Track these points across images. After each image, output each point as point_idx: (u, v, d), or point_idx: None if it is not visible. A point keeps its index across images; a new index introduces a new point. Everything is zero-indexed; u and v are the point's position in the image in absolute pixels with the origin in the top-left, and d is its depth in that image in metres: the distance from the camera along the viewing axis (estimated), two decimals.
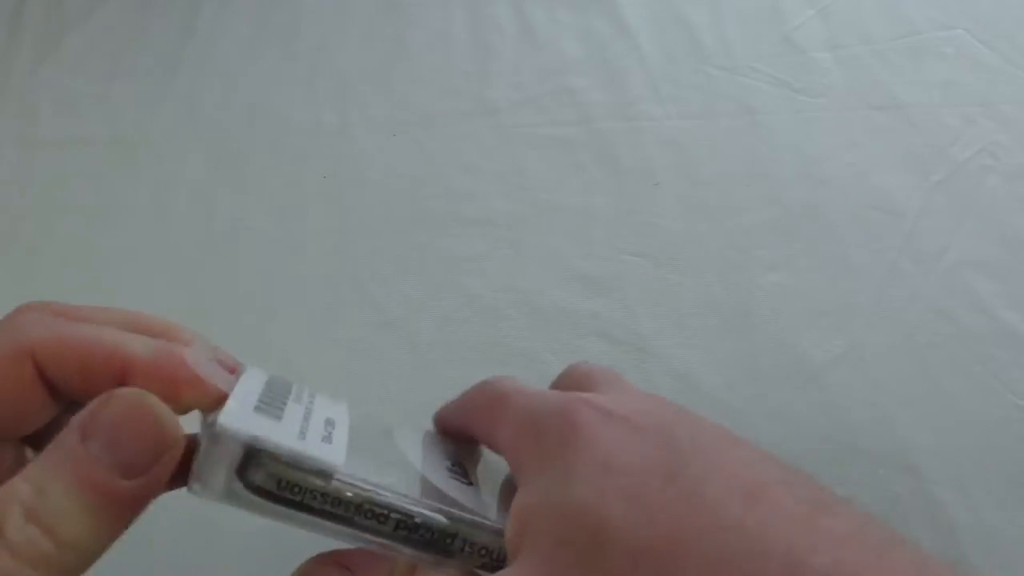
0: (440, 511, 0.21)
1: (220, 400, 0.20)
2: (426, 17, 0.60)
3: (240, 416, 0.19)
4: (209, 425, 0.19)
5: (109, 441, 0.17)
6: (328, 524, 0.20)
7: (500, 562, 0.22)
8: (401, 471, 0.23)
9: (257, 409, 0.20)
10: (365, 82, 0.56)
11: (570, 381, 0.25)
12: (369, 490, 0.20)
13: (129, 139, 0.53)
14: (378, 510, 0.21)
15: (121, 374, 0.19)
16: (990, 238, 0.48)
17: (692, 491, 0.18)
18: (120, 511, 0.17)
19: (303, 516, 0.20)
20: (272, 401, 0.21)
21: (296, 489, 0.20)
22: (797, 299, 0.45)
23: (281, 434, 0.20)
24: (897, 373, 0.43)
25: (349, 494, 0.20)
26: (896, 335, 0.44)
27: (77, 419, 0.18)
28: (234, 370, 0.22)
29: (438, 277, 0.46)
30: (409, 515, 0.21)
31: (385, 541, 0.21)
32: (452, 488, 0.23)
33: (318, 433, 0.21)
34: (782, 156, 0.52)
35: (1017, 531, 0.37)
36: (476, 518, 0.22)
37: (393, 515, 0.21)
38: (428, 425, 0.28)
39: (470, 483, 0.24)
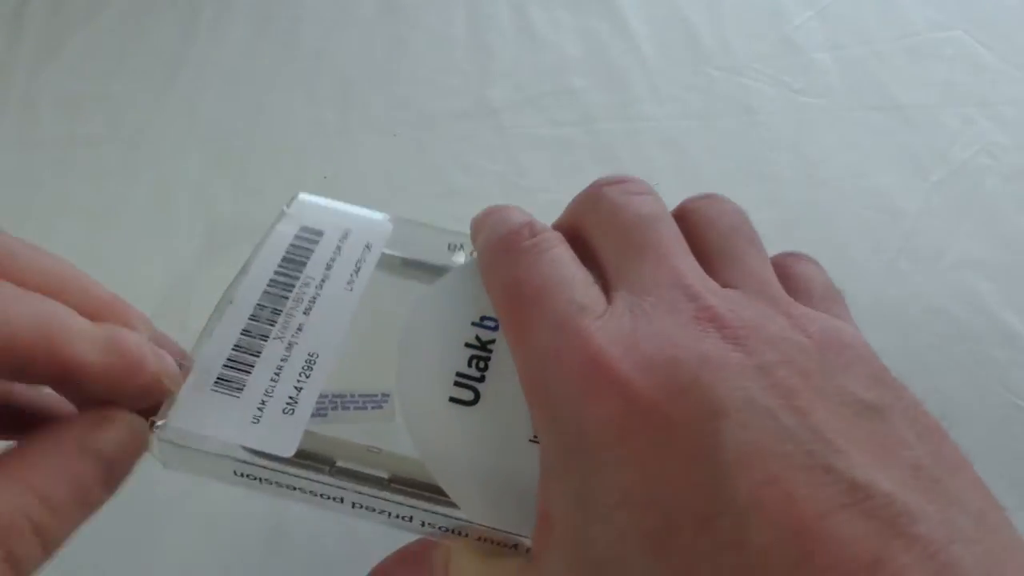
0: (399, 509, 0.20)
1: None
2: (426, 17, 0.60)
3: (183, 418, 0.19)
4: (158, 427, 0.19)
5: (106, 462, 0.18)
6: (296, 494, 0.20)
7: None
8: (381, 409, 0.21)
9: (218, 384, 0.20)
10: (365, 82, 0.56)
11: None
12: (315, 482, 0.20)
13: (129, 139, 0.53)
14: (333, 496, 0.20)
15: (62, 373, 0.17)
16: (989, 238, 0.48)
17: (731, 541, 0.14)
18: (89, 515, 0.18)
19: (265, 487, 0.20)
20: (242, 359, 0.20)
21: (246, 473, 0.20)
22: None
23: (230, 422, 0.19)
24: (897, 373, 0.43)
25: (295, 485, 0.20)
26: (896, 335, 0.44)
27: (76, 432, 0.18)
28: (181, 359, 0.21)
29: None
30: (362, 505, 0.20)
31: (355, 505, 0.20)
32: (442, 426, 0.20)
33: (280, 402, 0.20)
34: (782, 156, 0.52)
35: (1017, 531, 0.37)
36: (442, 515, 0.19)
37: (348, 498, 0.20)
38: None
39: (475, 399, 0.20)
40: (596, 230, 0.20)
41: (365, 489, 0.19)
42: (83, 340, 0.17)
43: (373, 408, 0.21)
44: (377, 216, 0.24)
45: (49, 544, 0.16)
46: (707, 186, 0.50)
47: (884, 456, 0.15)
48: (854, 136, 0.53)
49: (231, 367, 0.20)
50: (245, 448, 0.19)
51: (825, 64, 0.57)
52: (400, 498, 0.19)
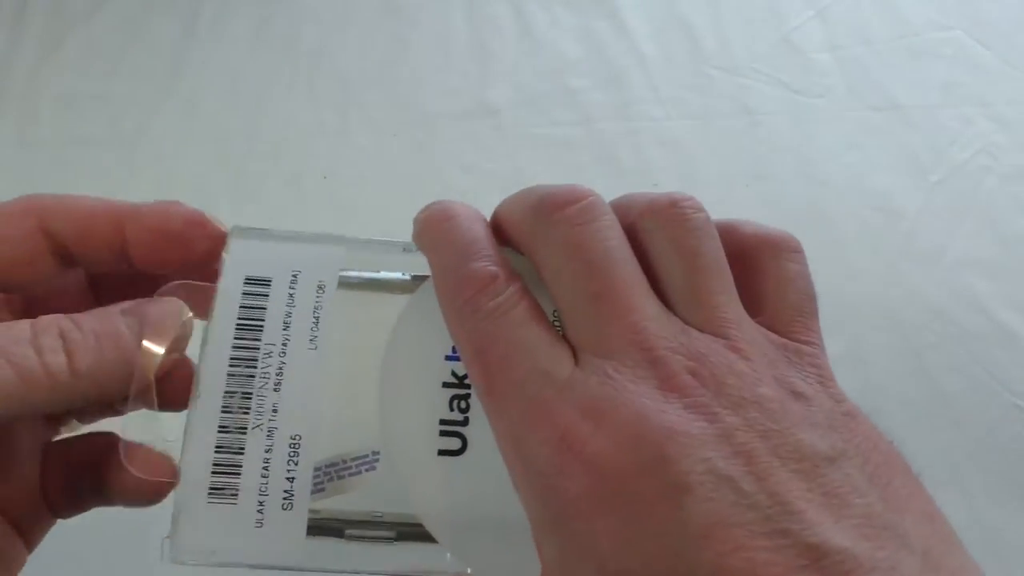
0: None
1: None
2: (426, 17, 0.60)
3: (188, 538, 0.19)
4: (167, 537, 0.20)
5: (143, 321, 0.20)
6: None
7: None
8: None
9: (212, 494, 0.19)
10: (365, 82, 0.56)
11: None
12: (328, 561, 0.20)
13: (129, 139, 0.53)
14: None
15: (119, 226, 0.21)
16: (988, 238, 0.48)
17: None
18: (127, 372, 0.20)
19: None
20: (227, 461, 0.20)
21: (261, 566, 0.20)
22: None
23: (233, 533, 0.19)
24: (897, 373, 0.43)
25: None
26: (895, 335, 0.44)
27: (122, 303, 0.21)
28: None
29: None
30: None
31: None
32: (434, 481, 0.20)
33: (277, 498, 0.20)
34: (782, 157, 0.52)
35: (1016, 531, 0.37)
36: None
37: (362, 569, 0.20)
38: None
39: (463, 446, 0.20)
40: (550, 270, 0.20)
41: (376, 555, 0.20)
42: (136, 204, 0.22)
43: (367, 470, 0.21)
44: (323, 247, 0.22)
45: (72, 351, 0.19)
46: (707, 186, 0.51)
47: (838, 509, 0.16)
48: (854, 136, 0.53)
49: (220, 473, 0.20)
50: (251, 563, 0.19)
51: (825, 64, 0.57)
52: (410, 561, 0.20)
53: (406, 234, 0.23)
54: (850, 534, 0.15)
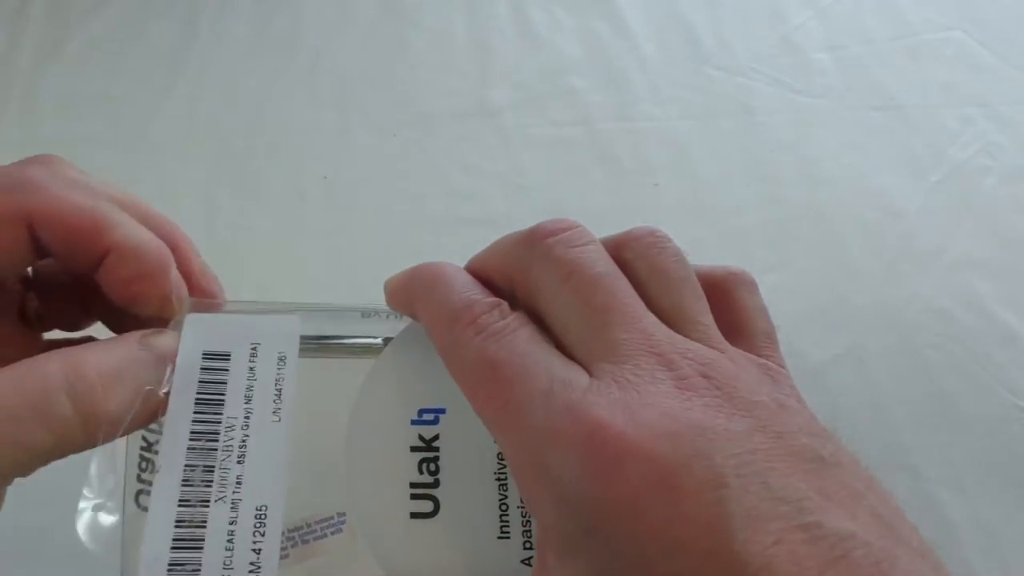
0: None
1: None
2: (426, 17, 0.60)
3: None
4: None
5: (159, 356, 0.21)
6: None
7: None
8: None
9: (171, 570, 0.19)
10: (365, 82, 0.56)
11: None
12: None
13: (129, 139, 0.53)
14: None
15: (103, 255, 0.22)
16: (988, 238, 0.48)
17: None
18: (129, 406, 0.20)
19: None
20: (188, 535, 0.19)
21: None
22: (797, 299, 0.46)
23: None
24: (896, 373, 0.43)
25: None
26: (895, 335, 0.44)
27: (143, 333, 0.21)
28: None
29: None
30: None
31: None
32: (407, 545, 0.19)
33: (244, 568, 0.19)
34: (781, 157, 0.52)
35: (1016, 531, 0.37)
36: None
37: None
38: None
39: (435, 508, 0.20)
40: (549, 290, 0.20)
41: None
42: (128, 229, 0.22)
43: (333, 533, 0.21)
44: (281, 318, 0.22)
45: (108, 396, 0.19)
46: (707, 186, 0.51)
47: (852, 507, 0.16)
48: (854, 136, 0.54)
49: (180, 548, 0.19)
50: None
51: (825, 64, 0.57)
52: None
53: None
54: (869, 529, 0.16)
